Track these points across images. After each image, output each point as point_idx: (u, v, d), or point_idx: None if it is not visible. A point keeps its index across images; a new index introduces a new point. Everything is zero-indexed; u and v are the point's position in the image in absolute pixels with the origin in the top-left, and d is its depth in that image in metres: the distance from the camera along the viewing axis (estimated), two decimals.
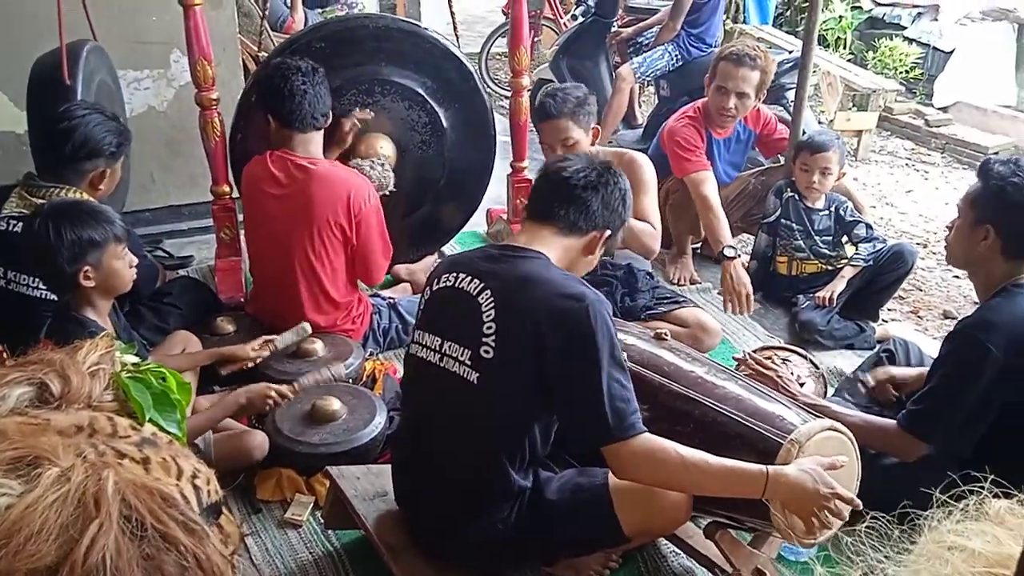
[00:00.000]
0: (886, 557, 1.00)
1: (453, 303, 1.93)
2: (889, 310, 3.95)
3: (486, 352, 1.85)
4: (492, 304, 1.85)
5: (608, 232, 2.04)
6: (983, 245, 2.27)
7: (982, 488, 1.06)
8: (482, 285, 1.89)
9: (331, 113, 3.03)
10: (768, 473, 1.75)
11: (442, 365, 1.92)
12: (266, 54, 3.78)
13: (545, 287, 1.85)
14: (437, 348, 1.94)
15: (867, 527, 1.04)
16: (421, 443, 2.06)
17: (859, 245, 3.56)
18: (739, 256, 3.40)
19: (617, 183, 2.05)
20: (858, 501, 1.74)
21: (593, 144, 3.19)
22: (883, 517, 1.06)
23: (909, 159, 6.18)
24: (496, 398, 1.87)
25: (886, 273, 3.46)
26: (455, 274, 1.95)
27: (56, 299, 2.49)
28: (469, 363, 1.87)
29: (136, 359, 1.41)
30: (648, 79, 5.32)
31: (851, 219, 3.60)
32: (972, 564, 0.93)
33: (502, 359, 1.84)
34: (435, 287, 2.00)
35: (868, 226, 3.60)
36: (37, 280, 2.61)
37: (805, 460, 1.80)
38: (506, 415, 1.89)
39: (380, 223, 3.02)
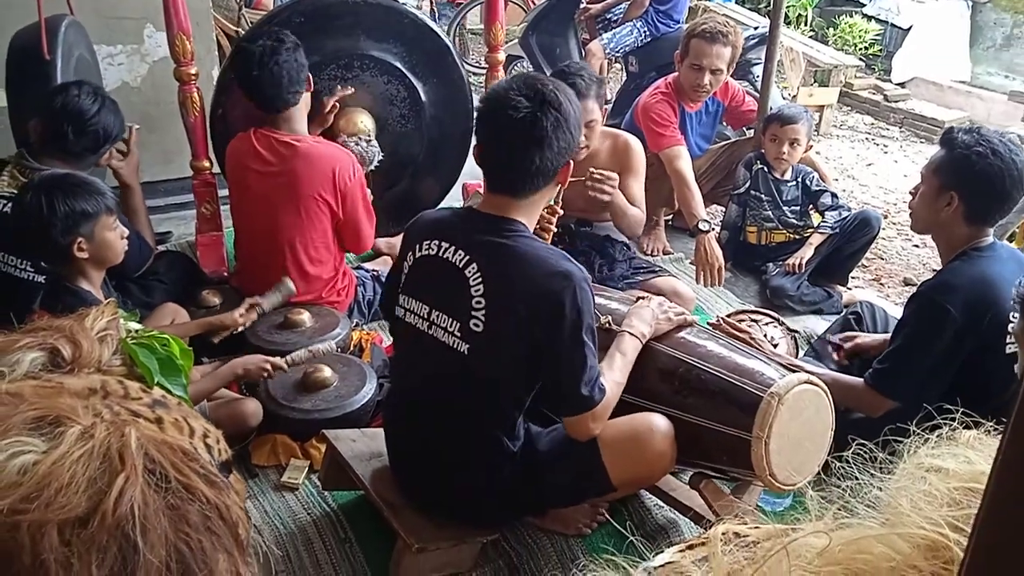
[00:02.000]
0: (871, 475, 1.11)
1: (439, 273, 1.95)
2: (852, 277, 4.10)
3: (476, 326, 1.90)
4: (480, 280, 1.89)
5: (571, 157, 1.98)
6: (947, 211, 2.38)
7: (953, 419, 1.18)
8: (467, 258, 1.92)
9: (310, 79, 3.02)
10: (633, 333, 2.14)
11: (431, 333, 1.98)
12: (242, 31, 3.79)
13: (533, 266, 1.88)
14: (425, 316, 2.00)
15: (853, 453, 1.14)
16: (413, 408, 2.13)
17: (825, 213, 3.70)
18: (712, 230, 3.51)
19: (560, 113, 1.86)
20: (689, 314, 2.31)
21: (604, 116, 3.23)
22: (868, 444, 1.17)
23: (869, 133, 6.36)
24: (487, 369, 1.94)
25: (853, 240, 3.60)
26: (438, 242, 1.97)
27: (43, 282, 2.52)
28: (459, 335, 1.93)
29: (139, 326, 1.47)
30: (617, 55, 5.40)
31: (817, 188, 3.73)
32: (947, 481, 1.03)
33: (492, 333, 1.90)
34: (418, 253, 2.01)
35: (833, 195, 3.74)
36: (25, 262, 2.63)
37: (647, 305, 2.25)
38: (497, 385, 1.97)
39: (364, 195, 3.07)
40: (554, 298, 1.84)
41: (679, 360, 2.14)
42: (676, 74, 3.86)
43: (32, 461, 0.90)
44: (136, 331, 1.45)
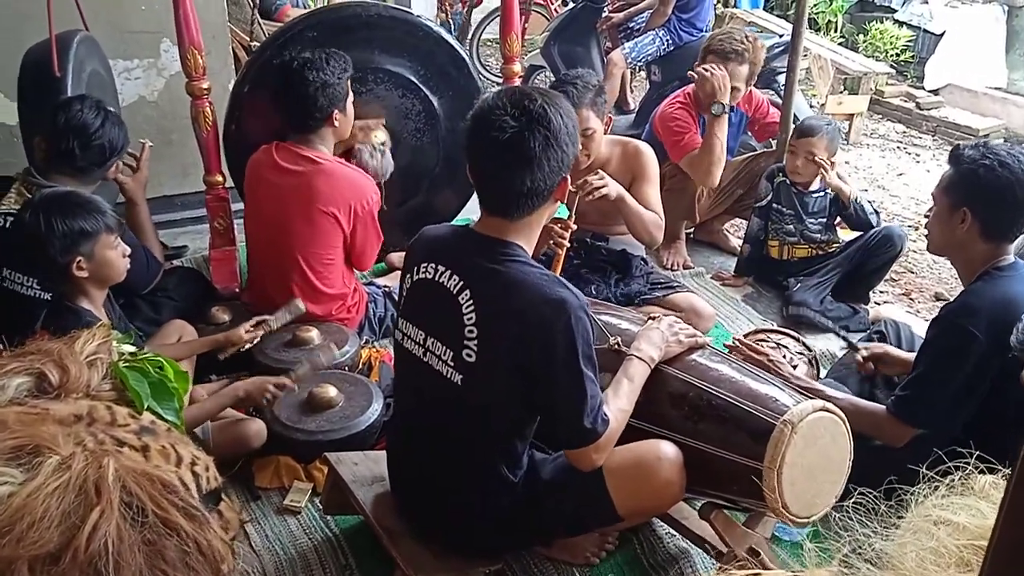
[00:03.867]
0: (874, 532, 1.02)
1: (433, 298, 1.89)
2: (881, 292, 3.98)
3: (468, 356, 1.83)
4: (472, 308, 1.82)
5: (568, 173, 1.88)
6: (961, 229, 2.30)
7: (967, 464, 1.09)
8: (461, 284, 1.84)
9: (343, 101, 3.00)
10: (641, 357, 2.04)
11: (426, 360, 1.91)
12: (258, 43, 3.77)
13: (526, 293, 1.79)
14: (421, 342, 1.93)
15: (855, 503, 1.06)
16: (411, 433, 2.07)
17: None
18: (726, 112, 3.55)
19: (548, 130, 1.76)
20: (701, 335, 2.19)
21: (605, 132, 3.14)
22: (870, 493, 1.08)
23: (900, 142, 6.21)
24: (482, 399, 1.87)
25: (875, 256, 3.48)
26: (434, 265, 1.90)
27: (49, 299, 2.50)
28: (452, 364, 1.86)
29: (133, 348, 1.42)
30: (639, 64, 5.33)
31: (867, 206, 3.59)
32: (957, 537, 0.95)
33: (484, 364, 1.82)
34: (415, 276, 1.95)
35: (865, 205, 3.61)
36: (31, 279, 2.61)
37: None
38: (492, 415, 1.89)
39: (374, 220, 3.05)
40: (547, 327, 1.76)
41: (690, 384, 2.05)
42: (693, 86, 3.78)
43: (7, 493, 0.86)
44: (130, 354, 1.41)
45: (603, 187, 2.95)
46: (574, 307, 1.77)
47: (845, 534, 1.02)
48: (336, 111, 2.96)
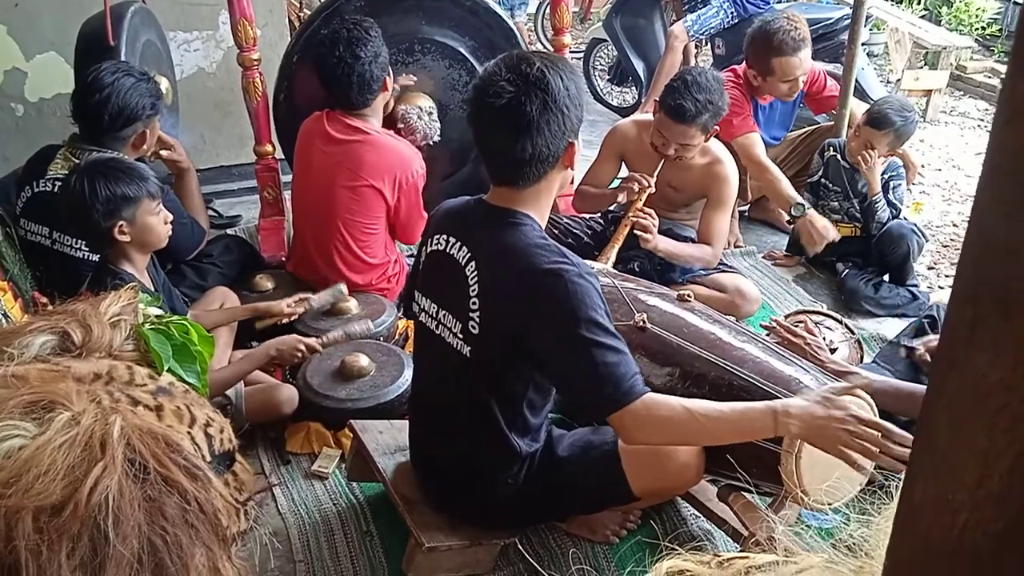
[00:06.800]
0: (856, 517, 0.97)
1: (444, 269, 1.87)
2: (947, 276, 3.81)
3: (473, 327, 1.81)
4: (476, 279, 1.80)
5: (574, 138, 1.82)
6: None
7: None
8: (468, 255, 1.83)
9: (387, 80, 2.99)
10: (776, 408, 1.68)
11: (438, 333, 1.90)
12: (309, 11, 3.80)
13: (521, 263, 1.74)
14: (434, 315, 1.92)
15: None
16: (427, 407, 2.07)
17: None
18: (810, 209, 3.35)
19: (547, 94, 1.71)
20: (882, 422, 1.66)
21: (707, 140, 3.03)
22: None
23: (982, 120, 5.91)
24: (488, 371, 1.84)
25: (888, 255, 3.37)
26: (445, 237, 1.89)
27: (96, 260, 2.57)
28: (461, 336, 1.84)
29: (160, 311, 1.45)
30: (703, 37, 5.17)
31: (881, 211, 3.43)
32: None
33: (487, 335, 1.80)
34: (430, 247, 1.95)
35: (895, 205, 3.45)
36: (80, 242, 2.69)
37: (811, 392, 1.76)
38: (499, 386, 1.87)
39: (418, 194, 3.04)
40: (541, 297, 1.72)
41: (711, 363, 2.00)
42: (743, 66, 3.65)
43: (18, 445, 0.89)
44: (156, 316, 1.44)
45: (648, 236, 2.95)
46: (570, 274, 1.70)
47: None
48: (386, 77, 2.98)
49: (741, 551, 2.02)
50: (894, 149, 3.39)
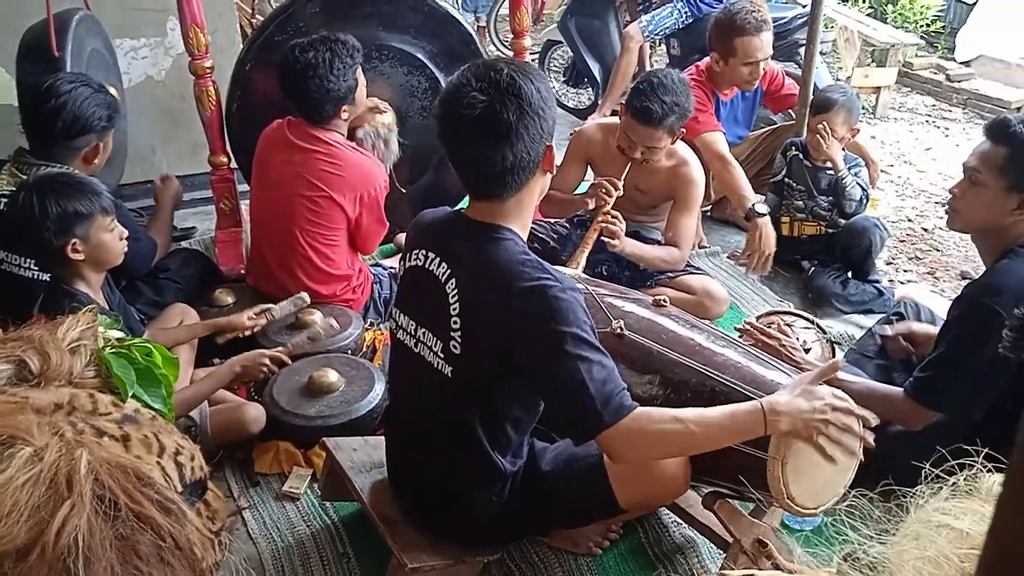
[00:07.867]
0: (870, 537, 0.95)
1: (423, 285, 1.81)
2: (905, 271, 3.86)
3: (455, 347, 1.76)
4: (457, 297, 1.75)
5: (550, 141, 1.78)
6: (1015, 215, 2.16)
7: (975, 462, 1.00)
8: (448, 272, 1.77)
9: (355, 95, 2.92)
10: (763, 407, 1.66)
11: (417, 351, 1.84)
12: (261, 18, 3.71)
13: (503, 280, 1.69)
14: (412, 332, 1.86)
15: (849, 506, 0.99)
16: (406, 425, 2.01)
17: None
18: (768, 213, 3.34)
19: (521, 98, 1.66)
20: (861, 411, 1.72)
21: (673, 142, 3.02)
22: (867, 495, 1.01)
23: (929, 115, 6.03)
24: (471, 389, 1.79)
25: (851, 249, 3.40)
26: (424, 252, 1.82)
27: (48, 279, 2.46)
28: (442, 356, 1.79)
29: (120, 334, 1.37)
30: (657, 37, 5.18)
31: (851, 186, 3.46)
32: (959, 545, 0.87)
33: (470, 353, 1.74)
34: (407, 263, 1.89)
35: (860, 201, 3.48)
36: (30, 260, 2.58)
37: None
38: (483, 404, 1.81)
39: (380, 207, 2.99)
40: (524, 315, 1.66)
41: (693, 370, 1.98)
42: (707, 60, 3.66)
43: None
44: (117, 339, 1.36)
45: (615, 241, 2.93)
46: (554, 290, 1.66)
47: (841, 538, 0.95)
48: (345, 107, 2.90)
49: (726, 558, 2.01)
50: (852, 127, 3.43)
